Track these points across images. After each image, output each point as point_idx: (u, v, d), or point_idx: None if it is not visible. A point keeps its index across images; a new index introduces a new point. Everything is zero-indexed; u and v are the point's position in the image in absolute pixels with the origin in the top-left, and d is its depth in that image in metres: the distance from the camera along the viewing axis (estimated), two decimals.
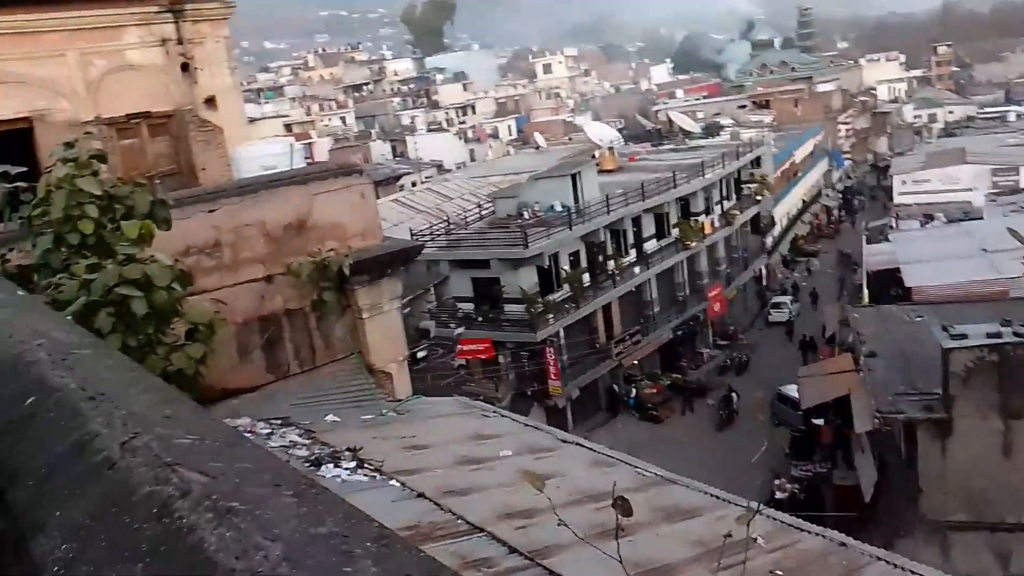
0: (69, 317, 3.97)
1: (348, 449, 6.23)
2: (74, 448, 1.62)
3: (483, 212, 32.02)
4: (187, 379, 4.85)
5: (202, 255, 8.39)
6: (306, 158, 12.64)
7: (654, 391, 30.91)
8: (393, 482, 5.65)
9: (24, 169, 5.99)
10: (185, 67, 11.96)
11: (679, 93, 72.84)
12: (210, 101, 12.22)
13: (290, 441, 6.26)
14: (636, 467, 6.72)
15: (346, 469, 5.69)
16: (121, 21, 11.42)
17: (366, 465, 5.91)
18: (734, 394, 28.73)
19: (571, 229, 28.22)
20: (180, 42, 11.81)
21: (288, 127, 50.45)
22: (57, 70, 11.06)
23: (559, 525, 2.39)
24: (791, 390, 25.13)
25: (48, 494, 1.53)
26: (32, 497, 1.56)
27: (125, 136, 11.75)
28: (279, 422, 7.06)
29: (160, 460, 1.45)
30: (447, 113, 71.70)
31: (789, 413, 25.26)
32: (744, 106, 58.71)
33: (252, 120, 21.39)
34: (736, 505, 5.49)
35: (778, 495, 21.02)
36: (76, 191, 5.09)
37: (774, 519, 5.45)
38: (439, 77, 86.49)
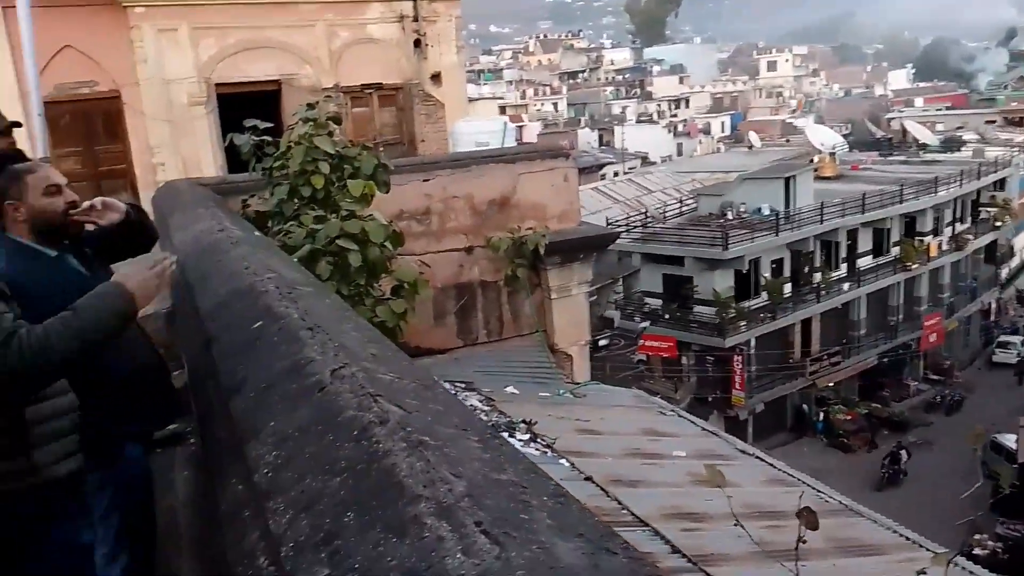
0: (295, 260, 4.35)
1: (524, 421, 6.37)
2: (291, 369, 1.78)
3: (684, 208, 31.25)
4: (388, 332, 5.17)
5: (412, 220, 8.90)
6: (516, 140, 12.98)
7: (847, 418, 28.80)
8: (563, 461, 5.71)
9: (271, 125, 6.62)
10: (417, 43, 12.67)
11: (918, 102, 66.55)
12: (436, 77, 12.87)
13: (471, 405, 6.50)
14: (819, 491, 6.32)
15: (520, 440, 5.83)
16: None
17: (539, 439, 6.02)
18: (904, 452, 25.82)
19: (777, 235, 26.82)
20: (416, 19, 12.52)
21: (502, 109, 51.94)
22: (306, 39, 12.13)
23: (735, 525, 2.29)
24: (1008, 439, 22.55)
25: (265, 406, 1.69)
26: (252, 407, 1.74)
27: (357, 104, 12.67)
28: (463, 385, 7.37)
29: (364, 390, 1.56)
30: (659, 105, 70.51)
31: (1002, 465, 22.63)
32: (993, 121, 52.58)
33: (470, 100, 22.23)
34: (926, 549, 5.01)
35: (976, 551, 18.89)
36: (312, 148, 5.56)
37: (972, 573, 4.91)
38: (655, 68, 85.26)
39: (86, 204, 2.12)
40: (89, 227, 2.27)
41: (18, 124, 3.42)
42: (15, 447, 1.79)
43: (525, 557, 0.96)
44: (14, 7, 10.38)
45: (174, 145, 11.57)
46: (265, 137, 6.23)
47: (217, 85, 11.75)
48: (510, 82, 79.41)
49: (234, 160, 11.18)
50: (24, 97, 10.76)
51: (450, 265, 9.37)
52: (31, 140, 4.71)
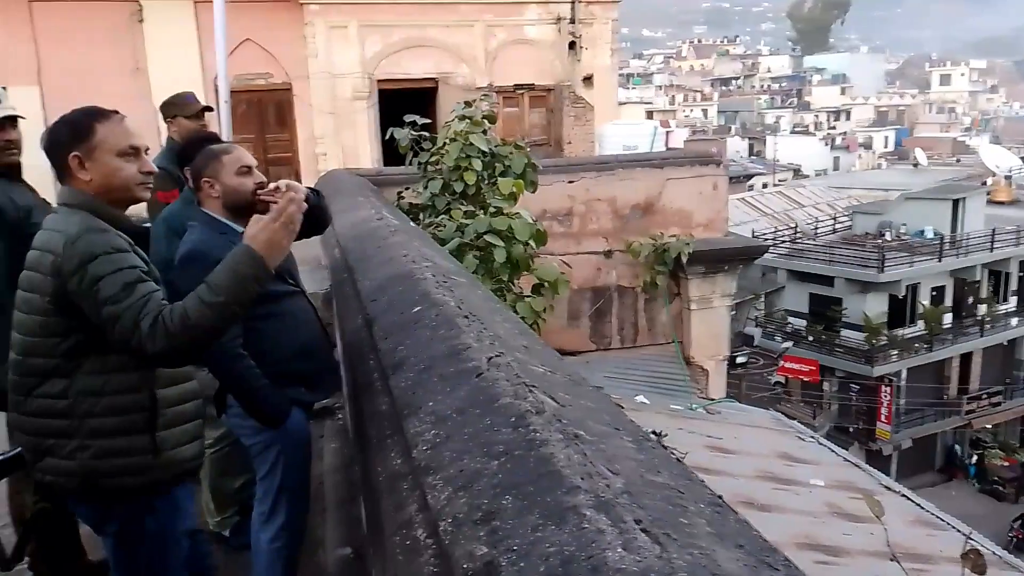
0: (446, 252, 4.50)
1: (653, 432, 6.27)
2: (450, 352, 1.84)
3: (837, 225, 29.71)
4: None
5: (554, 220, 8.98)
6: (664, 145, 12.78)
7: (1005, 464, 26.39)
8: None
9: (428, 121, 6.86)
10: (571, 45, 12.75)
11: None
12: (588, 79, 12.90)
13: None
14: (971, 539, 5.83)
15: None
16: None
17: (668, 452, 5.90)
18: None
19: (940, 260, 24.97)
20: (572, 21, 12.60)
21: (649, 113, 51.22)
22: (465, 38, 12.49)
23: (891, 560, 2.16)
24: None
25: (424, 385, 1.76)
26: (411, 385, 1.81)
27: (508, 104, 12.91)
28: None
29: (519, 379, 1.59)
30: (816, 116, 67.27)
31: None
32: None
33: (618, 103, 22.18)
34: None
35: None
36: (467, 145, 5.71)
37: None
38: (815, 78, 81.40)
39: (272, 185, 2.28)
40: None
41: (210, 109, 3.75)
42: (142, 425, 1.87)
43: (686, 560, 0.95)
44: (206, 2, 11.37)
45: (336, 136, 12.23)
46: (423, 132, 6.45)
47: (379, 81, 12.32)
48: (659, 87, 78.22)
49: (389, 153, 11.69)
50: (207, 85, 11.74)
51: (588, 267, 9.38)
52: (218, 125, 5.12)
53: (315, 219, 2.52)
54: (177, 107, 3.48)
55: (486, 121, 6.16)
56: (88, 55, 11.14)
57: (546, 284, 5.53)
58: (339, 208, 5.24)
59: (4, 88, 2.58)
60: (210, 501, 3.08)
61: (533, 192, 6.21)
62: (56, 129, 1.88)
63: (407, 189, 7.37)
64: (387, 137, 6.43)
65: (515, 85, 12.80)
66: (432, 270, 2.79)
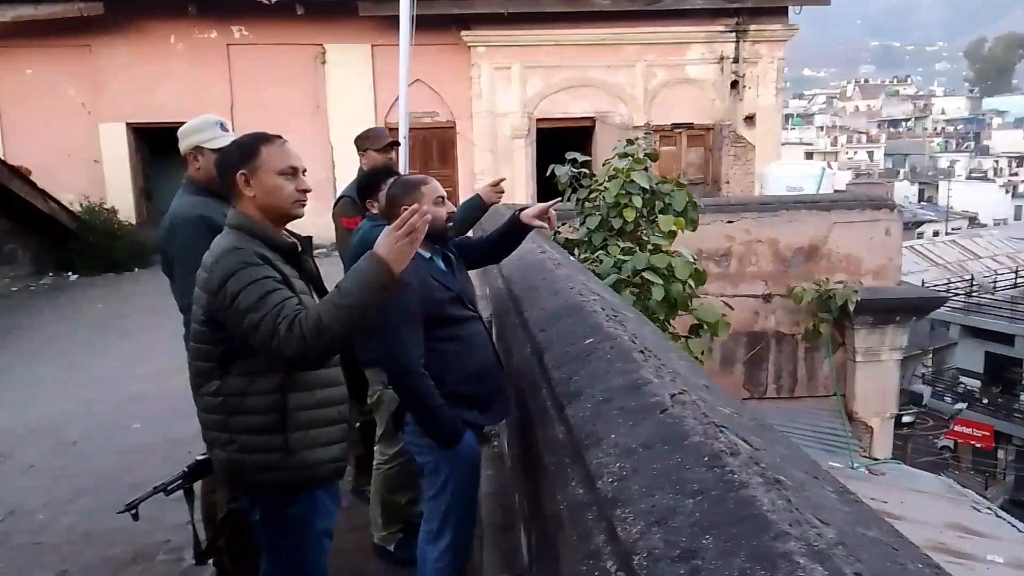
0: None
1: None
2: (629, 386, 1.82)
3: (1019, 280, 27.15)
4: None
5: (711, 260, 8.77)
6: (832, 187, 12.22)
7: None
8: None
9: (588, 159, 6.92)
10: (734, 84, 12.52)
11: None
12: (749, 119, 12.60)
13: None
14: None
15: None
16: (687, 38, 12.43)
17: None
18: None
19: None
20: (736, 60, 12.39)
21: (809, 155, 49.26)
22: (624, 78, 12.57)
23: None
24: None
25: (603, 417, 1.75)
26: (590, 416, 1.80)
27: (665, 142, 12.81)
28: None
29: (708, 418, 1.55)
30: (996, 162, 62.09)
31: None
32: None
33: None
34: None
35: None
36: (629, 182, 5.70)
37: None
38: (996, 120, 75.38)
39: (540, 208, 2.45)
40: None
41: (397, 144, 3.96)
42: (275, 425, 1.95)
43: None
44: (381, 45, 12.12)
45: (495, 172, 12.60)
46: (583, 170, 6.51)
47: (538, 120, 12.61)
48: (821, 127, 75.14)
49: (543, 189, 11.89)
50: (379, 123, 12.46)
51: (745, 311, 9.06)
52: (397, 160, 5.42)
53: (515, 245, 2.63)
54: (369, 141, 3.71)
55: (647, 159, 6.13)
56: (275, 93, 12.15)
57: (705, 325, 5.38)
58: None
59: (224, 122, 2.84)
60: (378, 515, 3.19)
61: (693, 231, 6.10)
62: (227, 151, 2.07)
63: (563, 224, 7.45)
64: (548, 174, 6.53)
65: (673, 124, 12.71)
66: (600, 303, 2.79)
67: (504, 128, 12.54)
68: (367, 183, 3.27)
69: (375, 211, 3.20)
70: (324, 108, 12.47)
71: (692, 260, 5.36)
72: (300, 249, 2.09)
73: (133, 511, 2.27)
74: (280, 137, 2.06)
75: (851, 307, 8.36)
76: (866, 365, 8.95)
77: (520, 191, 12.62)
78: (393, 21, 11.55)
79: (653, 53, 12.45)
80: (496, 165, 12.57)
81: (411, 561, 2.94)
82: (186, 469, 2.34)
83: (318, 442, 2.01)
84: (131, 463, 4.29)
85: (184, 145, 2.79)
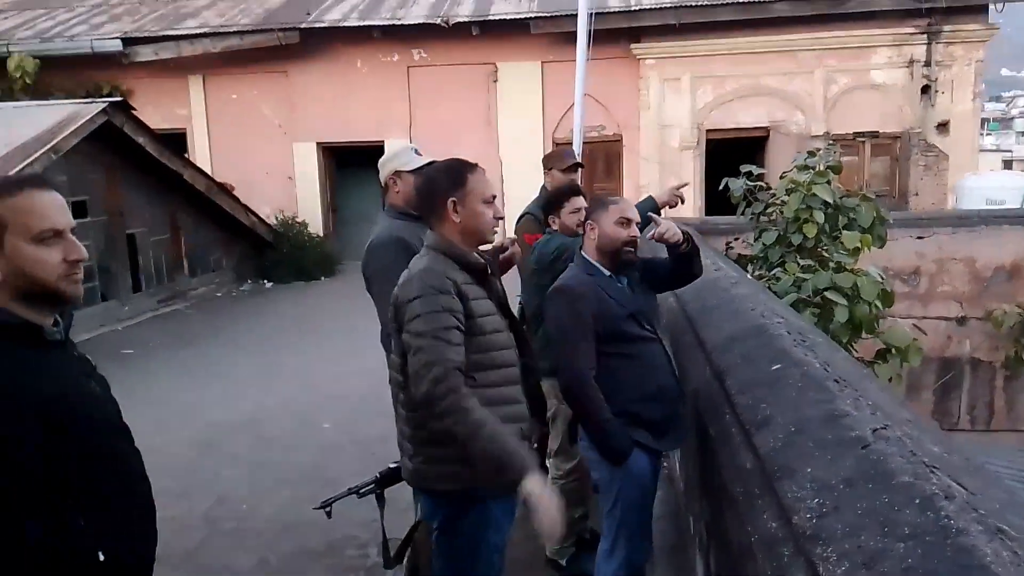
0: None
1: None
2: (825, 418, 1.76)
3: None
4: None
5: (897, 279, 8.19)
6: None
7: None
8: None
9: (762, 171, 6.67)
10: (925, 89, 11.64)
11: None
12: (942, 126, 11.65)
13: None
14: None
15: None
16: (873, 42, 11.69)
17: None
18: None
19: None
20: (928, 64, 11.51)
21: (1008, 163, 44.72)
22: (801, 86, 12.00)
23: None
24: None
25: (797, 448, 1.70)
26: (781, 446, 1.76)
27: (846, 152, 12.07)
28: None
29: (916, 457, 1.47)
30: None
31: None
32: None
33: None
34: None
35: None
36: (810, 196, 5.46)
37: None
38: None
39: (662, 225, 2.42)
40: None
41: (582, 165, 4.05)
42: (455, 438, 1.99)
43: None
44: (551, 62, 12.34)
45: (661, 185, 12.44)
46: (759, 183, 6.29)
47: (708, 131, 12.33)
48: (1021, 133, 68.01)
49: (711, 202, 11.60)
50: (547, 138, 12.68)
51: (936, 334, 8.37)
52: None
53: (687, 267, 2.59)
54: (554, 160, 3.82)
55: (830, 171, 5.84)
56: (451, 111, 12.69)
57: (893, 350, 5.04)
58: None
59: (418, 148, 3.03)
60: None
61: (880, 247, 5.74)
62: (435, 176, 2.15)
63: (736, 239, 7.22)
64: (721, 187, 6.36)
65: (855, 133, 11.98)
66: (786, 327, 2.70)
67: (672, 139, 12.37)
68: (550, 201, 3.36)
69: (555, 228, 3.28)
70: (495, 124, 12.86)
71: (880, 279, 5.05)
72: (490, 271, 2.17)
73: (327, 509, 2.45)
74: (479, 165, 2.17)
75: None
76: None
77: (688, 204, 12.37)
78: (563, 37, 11.78)
79: (834, 58, 11.81)
80: (663, 177, 12.40)
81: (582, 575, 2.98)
82: (379, 475, 2.48)
83: None
84: (324, 460, 4.64)
85: (384, 173, 2.99)
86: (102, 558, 1.43)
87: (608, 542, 2.50)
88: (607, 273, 2.49)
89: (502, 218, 2.19)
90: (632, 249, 2.48)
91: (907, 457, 1.47)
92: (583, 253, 2.54)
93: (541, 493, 1.92)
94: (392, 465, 2.51)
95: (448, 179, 2.12)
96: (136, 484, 1.53)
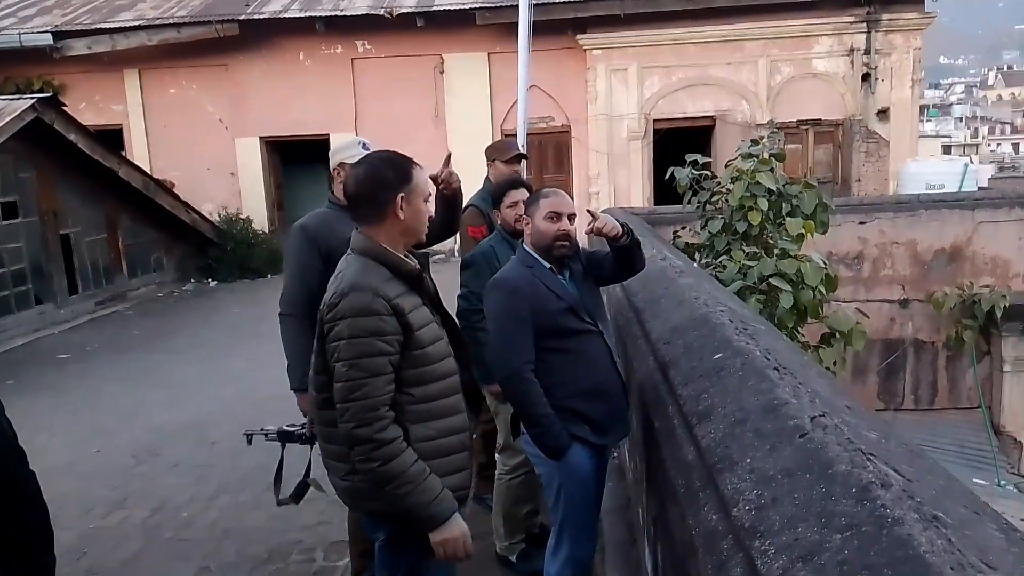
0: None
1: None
2: (764, 407, 1.73)
3: None
4: None
5: (841, 264, 8.34)
6: (977, 185, 11.37)
7: None
8: None
9: (708, 160, 6.72)
10: (865, 77, 11.87)
11: None
12: (882, 113, 11.91)
13: None
14: None
15: None
16: (815, 31, 11.88)
17: None
18: None
19: None
20: (867, 52, 11.74)
21: (947, 148, 46.23)
22: (747, 75, 12.15)
23: None
24: None
25: (737, 439, 1.67)
26: (721, 437, 1.73)
27: (790, 140, 12.27)
28: None
29: (853, 445, 1.45)
30: None
31: None
32: None
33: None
34: None
35: None
36: (754, 184, 5.49)
37: None
38: None
39: (601, 219, 2.36)
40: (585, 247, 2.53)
41: (525, 156, 3.99)
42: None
43: None
44: (498, 53, 12.26)
45: (610, 176, 12.49)
46: (705, 172, 6.32)
47: (655, 121, 12.40)
48: (959, 119, 70.31)
49: (660, 192, 11.68)
50: (495, 131, 12.60)
51: (879, 317, 8.56)
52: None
53: (629, 260, 2.54)
54: (497, 152, 3.76)
55: (773, 159, 5.90)
56: (397, 105, 12.52)
57: (837, 334, 5.11)
58: None
59: (367, 143, 2.95)
60: (500, 526, 3.21)
61: (823, 233, 5.82)
62: (381, 169, 1.99)
63: (683, 228, 7.26)
64: (667, 177, 6.38)
65: (798, 121, 12.18)
66: (728, 315, 2.68)
67: (620, 130, 12.40)
68: (493, 194, 3.32)
69: (499, 221, 3.23)
70: (443, 117, 12.74)
71: (823, 265, 5.11)
72: (421, 273, 2.05)
73: (249, 438, 2.77)
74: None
75: (999, 313, 7.74)
76: (1015, 375, 8.27)
77: (636, 193, 12.45)
78: (510, 28, 11.68)
79: (777, 48, 11.97)
80: (612, 168, 12.45)
81: (534, 573, 2.94)
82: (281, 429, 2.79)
83: (441, 471, 1.97)
84: (268, 464, 4.50)
85: (332, 163, 3.01)
86: None
87: (553, 538, 2.46)
88: (547, 266, 2.44)
89: (432, 218, 2.11)
90: (565, 243, 2.42)
91: (844, 445, 1.45)
92: (524, 246, 2.48)
93: (455, 540, 1.93)
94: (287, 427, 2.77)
95: (396, 174, 1.98)
96: (31, 509, 1.44)
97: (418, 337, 1.93)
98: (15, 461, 1.44)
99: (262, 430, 2.67)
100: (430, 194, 2.07)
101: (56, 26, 12.26)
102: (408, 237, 2.02)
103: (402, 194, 1.96)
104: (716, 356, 2.24)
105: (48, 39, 11.89)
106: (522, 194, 3.18)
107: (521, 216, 2.48)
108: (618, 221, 2.45)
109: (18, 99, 8.64)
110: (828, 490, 1.31)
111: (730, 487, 1.51)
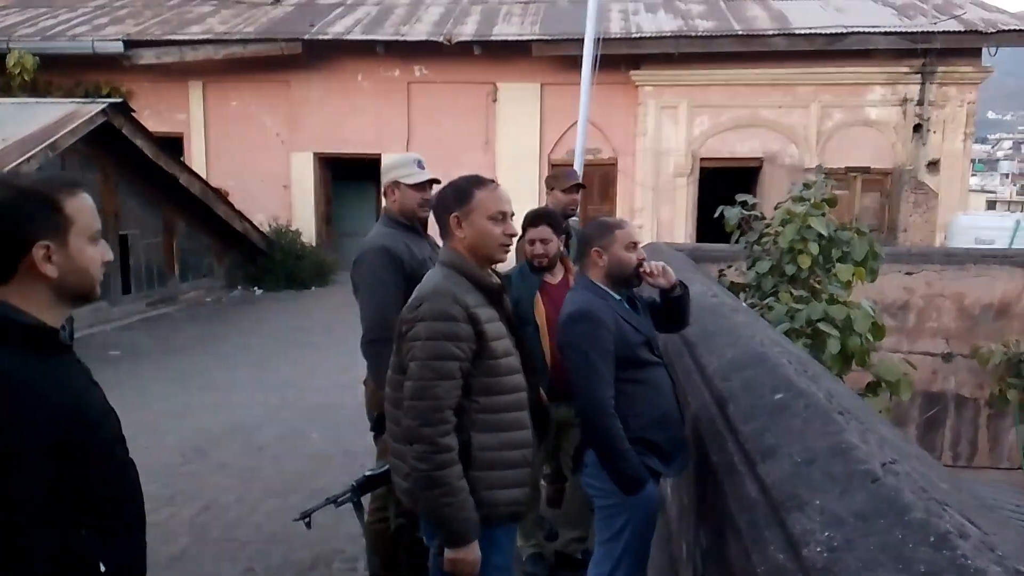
0: None
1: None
2: (832, 450, 1.77)
3: None
4: None
5: (887, 313, 8.26)
6: None
7: None
8: None
9: (756, 201, 6.73)
10: (916, 128, 11.81)
11: None
12: (933, 164, 11.82)
13: None
14: None
15: None
16: (869, 79, 11.87)
17: None
18: None
19: None
20: (920, 103, 11.69)
21: (992, 204, 45.42)
22: (797, 119, 12.16)
23: None
24: None
25: (805, 480, 1.70)
26: (788, 476, 1.76)
27: (838, 187, 12.20)
28: None
29: (927, 494, 1.47)
30: None
31: None
32: None
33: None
34: None
35: None
36: (806, 227, 5.50)
37: None
38: None
39: (655, 265, 2.41)
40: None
41: (583, 186, 4.07)
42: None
43: None
44: (551, 84, 12.44)
45: (654, 210, 12.53)
46: (754, 213, 6.34)
47: (702, 159, 12.44)
48: (1005, 175, 69.16)
49: (703, 229, 11.69)
50: (543, 159, 12.75)
51: (922, 370, 8.42)
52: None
53: (679, 313, 2.58)
54: (557, 180, 3.85)
55: (825, 204, 5.90)
56: (449, 129, 12.75)
57: (883, 383, 5.07)
58: None
59: (422, 160, 3.03)
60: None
61: (872, 281, 5.80)
62: (444, 192, 2.14)
63: (729, 267, 7.26)
64: (716, 215, 6.41)
65: (847, 167, 12.13)
66: (786, 356, 2.71)
67: (667, 166, 12.47)
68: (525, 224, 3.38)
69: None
70: (492, 144, 12.92)
71: (872, 312, 5.09)
72: (502, 289, 2.15)
73: (307, 520, 2.42)
74: (493, 181, 2.16)
75: None
76: None
77: (680, 229, 12.47)
78: (564, 61, 11.89)
79: (829, 93, 11.98)
80: (657, 202, 12.50)
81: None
82: (354, 484, 2.48)
83: (500, 483, 2.02)
84: (313, 470, 4.60)
85: (385, 179, 2.99)
86: (103, 569, 1.41)
87: (605, 568, 2.48)
88: (618, 298, 2.49)
89: (514, 235, 2.17)
90: (640, 273, 2.48)
91: (918, 493, 1.48)
92: (590, 277, 2.52)
93: (468, 563, 1.98)
94: (368, 472, 2.51)
95: (453, 195, 2.10)
96: (134, 495, 1.52)
97: (491, 348, 2.01)
98: (123, 448, 1.53)
99: (327, 499, 2.52)
100: (502, 213, 2.11)
101: (128, 35, 12.73)
102: (476, 254, 2.10)
103: (456, 214, 2.07)
104: (777, 396, 2.27)
105: (120, 47, 12.36)
106: (542, 232, 3.25)
107: (591, 249, 2.49)
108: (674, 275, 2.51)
109: (90, 103, 8.99)
110: (905, 537, 1.34)
111: (799, 527, 1.55)
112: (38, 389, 1.31)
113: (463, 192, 2.10)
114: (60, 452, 1.32)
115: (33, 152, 7.63)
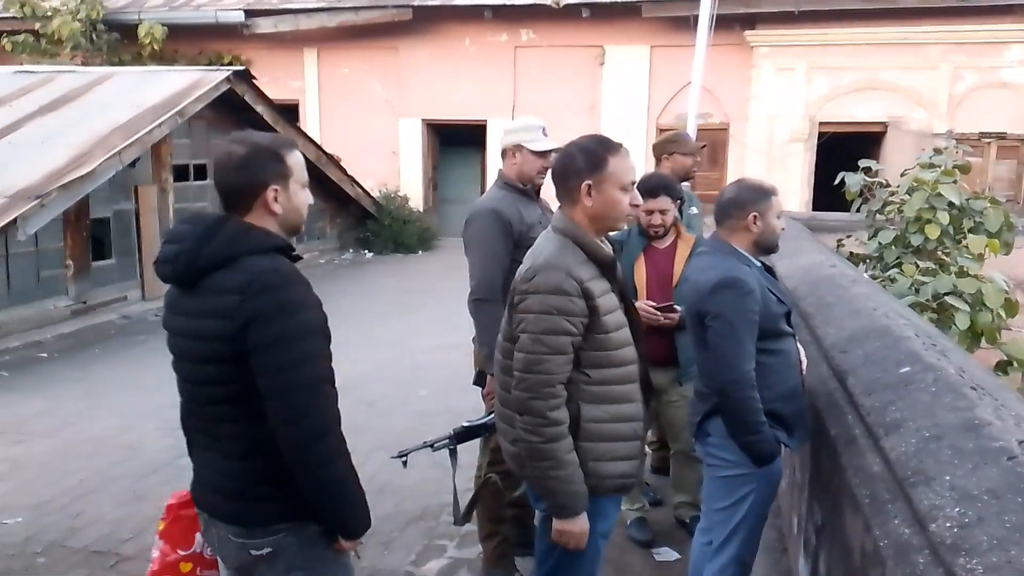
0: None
1: None
2: (964, 425, 1.69)
3: None
4: None
5: (1019, 289, 7.70)
6: None
7: None
8: None
9: (880, 167, 6.38)
10: None
11: None
12: None
13: None
14: None
15: None
16: (1006, 38, 10.97)
17: None
18: None
19: None
20: None
21: None
22: (925, 81, 11.39)
23: None
24: None
25: (933, 455, 1.63)
26: (914, 451, 1.70)
27: (970, 154, 11.43)
28: None
29: None
30: None
31: None
32: None
33: None
34: None
35: None
36: (935, 196, 5.20)
37: None
38: None
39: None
40: None
41: (704, 146, 3.98)
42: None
43: None
44: (660, 47, 12.13)
45: (766, 177, 12.05)
46: (878, 180, 6.04)
47: (820, 124, 11.87)
48: None
49: (819, 197, 11.19)
50: (650, 124, 12.50)
51: None
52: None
53: None
54: (676, 144, 3.77)
55: (957, 171, 5.56)
56: (555, 94, 12.66)
57: (1014, 363, 4.77)
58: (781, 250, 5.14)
59: (545, 127, 3.02)
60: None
61: (1007, 254, 5.44)
62: (573, 156, 2.00)
63: (848, 237, 6.95)
64: (836, 182, 6.14)
65: (980, 133, 11.31)
66: (913, 328, 2.59)
67: (782, 131, 11.97)
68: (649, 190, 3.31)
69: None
70: (598, 108, 12.76)
71: (1007, 287, 4.78)
72: (615, 260, 2.08)
73: (404, 459, 2.43)
74: (621, 145, 2.04)
75: None
76: None
77: (794, 197, 11.98)
78: (674, 22, 11.55)
79: (962, 54, 11.14)
80: (769, 169, 12.04)
81: (638, 542, 3.25)
82: (454, 431, 2.50)
83: (609, 455, 2.01)
84: (420, 426, 4.74)
85: (507, 141, 2.98)
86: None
87: (719, 537, 2.45)
88: (757, 263, 2.41)
89: (638, 205, 2.11)
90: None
91: None
92: (732, 243, 2.41)
93: (575, 535, 2.00)
94: (466, 423, 2.54)
95: (587, 160, 1.98)
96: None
97: (604, 321, 1.96)
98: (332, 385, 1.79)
99: (425, 443, 2.51)
100: (632, 182, 2.02)
101: (248, 5, 13.22)
102: (599, 223, 2.02)
103: (588, 182, 1.96)
104: (903, 369, 2.17)
105: (240, 16, 12.85)
106: (661, 203, 3.19)
107: (749, 213, 2.37)
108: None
109: (215, 71, 9.42)
110: None
111: (927, 502, 1.49)
112: (307, 282, 1.75)
113: (597, 159, 1.98)
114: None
115: (164, 118, 8.08)
